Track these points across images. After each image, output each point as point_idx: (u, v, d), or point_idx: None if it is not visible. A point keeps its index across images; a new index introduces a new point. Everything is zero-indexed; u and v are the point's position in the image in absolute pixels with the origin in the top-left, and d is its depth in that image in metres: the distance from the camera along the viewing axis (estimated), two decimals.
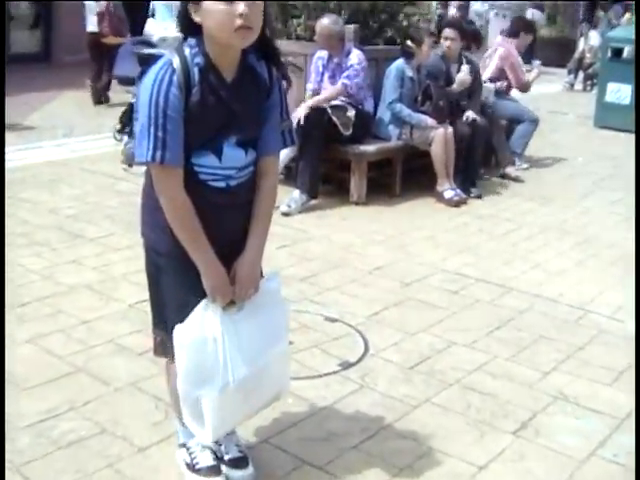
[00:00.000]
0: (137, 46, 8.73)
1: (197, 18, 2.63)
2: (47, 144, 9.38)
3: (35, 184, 7.46)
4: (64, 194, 7.24)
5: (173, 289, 2.87)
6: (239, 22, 2.57)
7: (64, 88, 13.30)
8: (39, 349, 4.23)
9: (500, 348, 4.54)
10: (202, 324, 2.80)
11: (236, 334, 2.83)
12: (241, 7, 2.56)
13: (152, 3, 13.74)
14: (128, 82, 8.16)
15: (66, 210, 6.73)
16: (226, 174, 2.78)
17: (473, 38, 8.51)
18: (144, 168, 2.81)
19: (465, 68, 8.06)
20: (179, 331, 2.80)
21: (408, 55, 7.67)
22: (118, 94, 10.59)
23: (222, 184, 2.79)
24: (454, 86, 7.97)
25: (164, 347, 2.98)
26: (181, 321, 2.80)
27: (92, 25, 12.55)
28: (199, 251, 2.75)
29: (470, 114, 7.95)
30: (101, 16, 12.47)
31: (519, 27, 9.76)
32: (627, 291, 5.60)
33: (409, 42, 7.64)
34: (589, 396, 4.07)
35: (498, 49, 9.40)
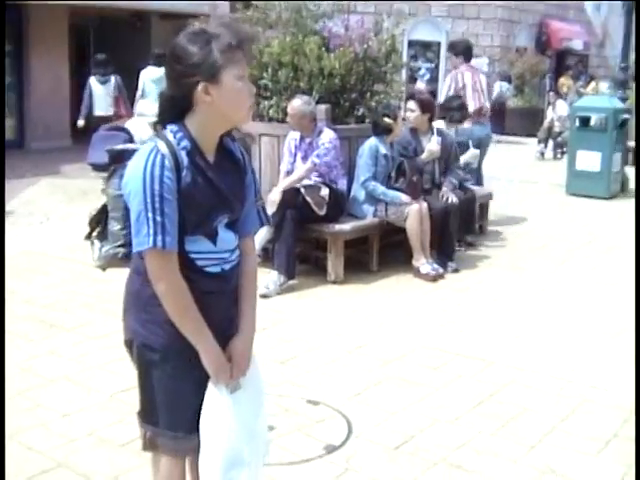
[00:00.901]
0: (111, 137, 8.85)
1: (206, 98, 2.64)
2: (24, 230, 9.37)
3: (11, 273, 7.43)
4: (40, 283, 7.20)
5: (166, 382, 2.84)
6: (252, 100, 2.70)
7: (39, 174, 13.33)
8: (19, 444, 4.17)
9: (484, 423, 4.52)
10: (218, 408, 2.78)
11: (242, 411, 2.82)
12: (253, 86, 2.68)
13: (142, 81, 13.95)
14: (102, 168, 8.27)
15: (42, 300, 6.69)
16: (221, 257, 2.79)
17: (427, 108, 8.53)
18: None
19: (435, 139, 8.15)
20: (203, 419, 2.78)
21: (381, 132, 7.75)
22: (91, 180, 10.58)
23: (218, 269, 2.78)
24: (422, 156, 8.04)
25: (154, 442, 2.94)
26: (173, 414, 2.79)
27: (100, 109, 12.95)
28: (199, 334, 2.73)
29: (445, 192, 8.04)
30: (116, 99, 13.43)
31: None
32: (607, 359, 5.62)
33: (386, 119, 7.72)
34: (576, 469, 4.05)
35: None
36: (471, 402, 4.81)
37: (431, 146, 8.09)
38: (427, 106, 8.27)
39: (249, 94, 2.68)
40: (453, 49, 10.60)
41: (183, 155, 2.67)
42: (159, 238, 2.59)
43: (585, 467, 4.08)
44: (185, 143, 2.69)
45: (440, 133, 8.36)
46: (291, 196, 7.22)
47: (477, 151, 9.12)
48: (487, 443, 4.29)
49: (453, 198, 8.03)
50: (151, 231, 2.59)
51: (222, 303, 2.84)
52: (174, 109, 2.72)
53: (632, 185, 13.93)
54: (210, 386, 2.78)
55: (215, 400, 2.79)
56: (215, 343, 2.76)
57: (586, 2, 32.93)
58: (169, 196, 2.61)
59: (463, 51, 10.35)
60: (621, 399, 4.92)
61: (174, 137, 2.69)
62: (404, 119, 8.17)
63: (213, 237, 2.76)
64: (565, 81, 25.32)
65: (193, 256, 2.73)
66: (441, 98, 9.79)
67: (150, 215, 2.59)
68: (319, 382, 5.07)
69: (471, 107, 9.75)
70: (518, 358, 5.61)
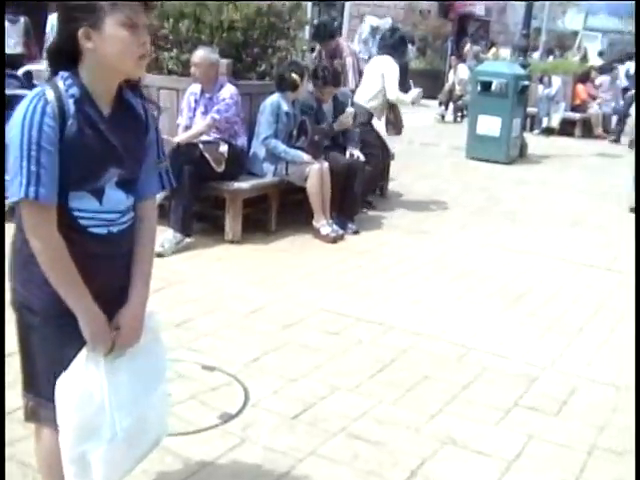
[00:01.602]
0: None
1: (88, 44, 2.42)
2: None
3: None
4: None
5: (47, 348, 2.62)
6: (141, 51, 2.45)
7: None
8: None
9: (384, 391, 4.41)
10: (84, 375, 2.57)
11: (119, 381, 2.63)
12: (145, 35, 2.44)
13: (49, 24, 13.49)
14: None
15: None
16: (108, 218, 2.57)
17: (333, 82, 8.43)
18: None
19: (350, 110, 8.06)
20: (61, 385, 2.56)
21: (285, 88, 7.54)
22: None
23: (103, 230, 2.57)
24: (335, 125, 7.93)
25: (36, 412, 2.73)
26: (55, 380, 2.56)
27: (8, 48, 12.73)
28: (77, 296, 2.52)
29: (353, 151, 7.95)
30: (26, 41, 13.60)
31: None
32: (507, 325, 5.60)
33: (294, 74, 7.51)
34: (477, 438, 3.98)
35: None
36: (371, 369, 4.69)
37: (344, 118, 7.99)
38: (333, 80, 8.09)
39: (137, 44, 2.43)
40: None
41: (70, 103, 2.44)
42: (32, 189, 2.36)
43: (486, 436, 4.01)
44: (74, 91, 2.46)
45: (340, 96, 8.24)
46: (189, 152, 6.96)
47: (351, 109, 8.86)
48: (388, 412, 4.18)
49: (360, 155, 7.92)
50: (24, 181, 2.36)
51: (110, 268, 2.63)
52: (62, 55, 2.49)
53: (531, 150, 14.10)
54: (83, 351, 2.57)
55: (82, 366, 2.58)
56: (95, 308, 2.55)
57: None
58: (48, 145, 2.38)
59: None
60: (521, 367, 4.90)
61: (64, 84, 2.46)
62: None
63: (99, 195, 2.54)
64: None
65: (76, 214, 2.51)
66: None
67: (25, 164, 2.36)
68: (215, 347, 4.87)
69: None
70: (418, 323, 5.52)
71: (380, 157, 8.93)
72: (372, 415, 4.13)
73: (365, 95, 8.91)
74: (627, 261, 7.48)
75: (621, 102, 18.37)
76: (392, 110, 9.12)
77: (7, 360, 4.29)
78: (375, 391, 4.41)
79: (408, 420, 4.10)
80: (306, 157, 7.46)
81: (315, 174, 7.37)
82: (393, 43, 9.24)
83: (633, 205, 9.67)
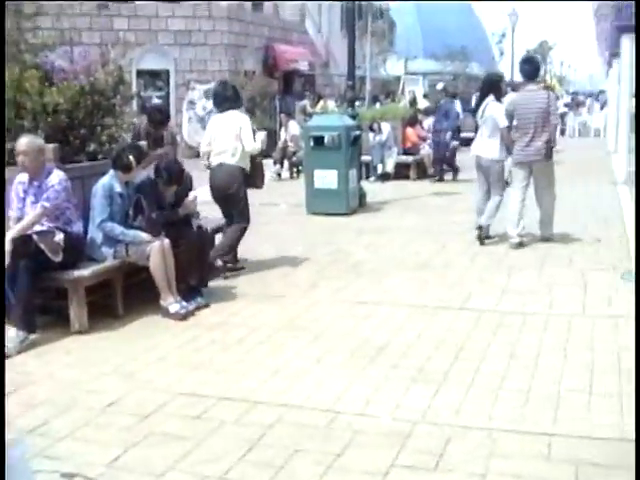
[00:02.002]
0: None
1: None
2: None
3: None
4: None
5: None
6: None
7: None
8: None
9: (256, 473, 4.24)
10: None
11: None
12: None
13: None
14: None
15: None
16: None
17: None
18: None
19: (194, 194, 8.02)
20: None
21: (119, 168, 7.32)
22: None
23: None
24: (180, 210, 7.77)
25: None
26: None
27: None
28: None
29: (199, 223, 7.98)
30: None
31: None
32: (372, 382, 5.51)
33: (131, 157, 7.31)
34: None
35: None
36: (239, 450, 4.50)
37: (190, 202, 7.89)
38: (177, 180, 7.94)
39: None
40: None
41: None
42: None
43: None
44: None
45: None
46: (23, 244, 6.64)
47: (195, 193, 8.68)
48: None
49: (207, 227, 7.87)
50: None
51: None
52: None
53: (370, 198, 14.25)
54: None
55: None
56: None
57: (307, 25, 33.86)
58: None
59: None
60: (392, 425, 4.82)
61: None
62: None
63: None
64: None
65: None
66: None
67: None
68: (73, 450, 4.56)
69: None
70: (281, 394, 5.37)
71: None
72: None
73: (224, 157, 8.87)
74: (479, 299, 7.59)
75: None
76: (252, 164, 9.05)
77: None
78: (247, 474, 4.23)
79: None
80: (145, 236, 7.24)
81: (157, 252, 7.15)
82: (232, 95, 9.17)
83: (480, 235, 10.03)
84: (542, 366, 5.86)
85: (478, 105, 10.88)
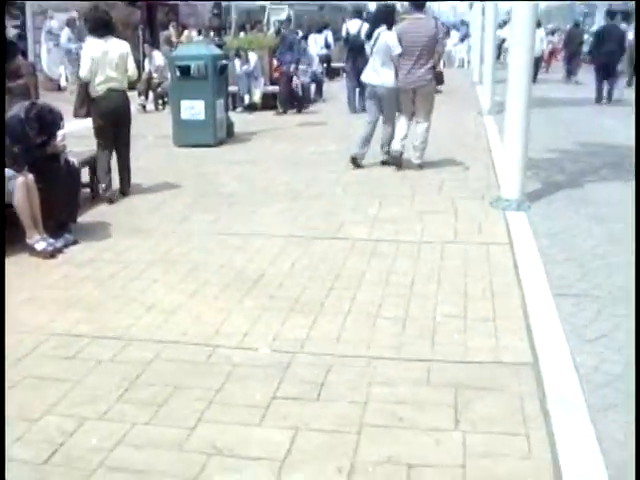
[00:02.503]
0: None
1: None
2: None
3: None
4: None
5: None
6: None
7: None
8: None
9: (136, 412, 4.13)
10: None
11: None
12: None
13: None
14: None
15: None
16: None
17: None
18: None
19: (63, 132, 7.63)
20: None
21: None
22: None
23: None
24: (48, 149, 7.38)
25: None
26: None
27: None
28: None
29: (68, 158, 7.64)
30: None
31: None
32: (249, 314, 5.46)
33: None
34: (242, 443, 3.81)
35: None
36: (117, 390, 4.38)
37: (60, 142, 7.52)
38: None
39: None
40: None
41: None
42: None
43: (251, 439, 3.85)
44: None
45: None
46: None
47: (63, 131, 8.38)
48: (144, 434, 3.91)
49: (74, 160, 7.70)
50: None
51: None
52: None
53: (238, 129, 14.08)
54: None
55: None
56: None
57: None
58: None
59: None
60: (272, 357, 4.80)
61: None
62: None
63: None
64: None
65: None
66: None
67: None
68: None
69: None
70: (157, 330, 5.25)
71: None
72: (128, 441, 3.85)
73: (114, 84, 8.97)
74: (353, 228, 7.60)
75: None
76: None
77: None
78: (126, 413, 4.13)
79: (167, 438, 3.86)
80: (8, 172, 6.93)
81: (20, 188, 6.84)
82: (109, 20, 9.08)
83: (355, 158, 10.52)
84: (417, 293, 5.93)
85: (370, 35, 10.91)
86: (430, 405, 4.17)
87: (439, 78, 10.75)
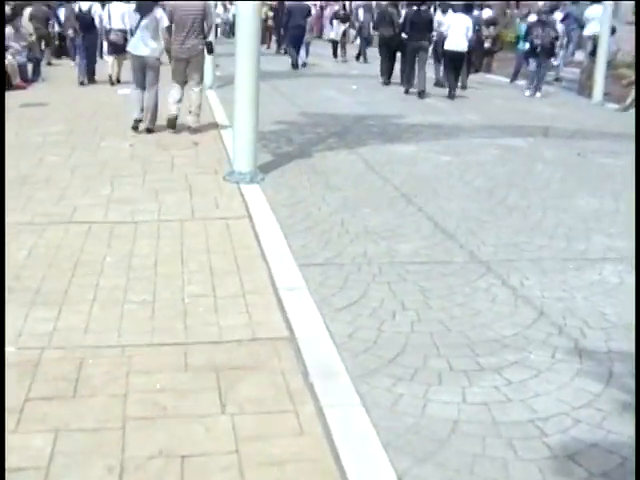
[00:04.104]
0: None
1: None
2: None
3: None
4: None
5: None
6: None
7: None
8: None
9: None
10: None
11: None
12: None
13: None
14: None
15: None
16: None
17: None
18: None
19: None
20: None
21: None
22: None
23: None
24: None
25: None
26: None
27: None
28: None
29: None
30: None
31: None
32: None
33: None
34: None
35: None
36: None
37: None
38: None
39: None
40: None
41: None
42: None
43: (8, 447, 3.55)
44: None
45: None
46: None
47: None
48: None
49: None
50: None
51: None
52: None
53: None
54: None
55: None
56: None
57: None
58: None
59: None
60: (18, 356, 4.49)
61: None
62: None
63: None
64: None
65: None
66: None
67: None
68: None
69: None
70: None
71: None
72: None
73: None
74: (87, 211, 7.33)
75: None
76: None
77: None
78: None
79: None
80: None
81: None
82: None
83: None
84: (162, 274, 5.80)
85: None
86: (193, 391, 4.08)
87: (209, 48, 11.88)
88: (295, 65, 23.70)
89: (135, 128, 11.57)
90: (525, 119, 14.56)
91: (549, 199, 8.38)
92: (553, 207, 8.01)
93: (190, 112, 11.62)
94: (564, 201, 8.24)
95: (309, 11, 24.96)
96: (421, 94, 17.31)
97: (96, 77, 18.08)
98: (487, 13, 23.45)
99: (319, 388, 3.98)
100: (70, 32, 19.86)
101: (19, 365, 4.38)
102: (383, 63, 19.95)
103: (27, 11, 20.97)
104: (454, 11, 18.01)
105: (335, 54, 28.11)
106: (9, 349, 4.57)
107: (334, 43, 28.37)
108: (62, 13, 22.26)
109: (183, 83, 11.60)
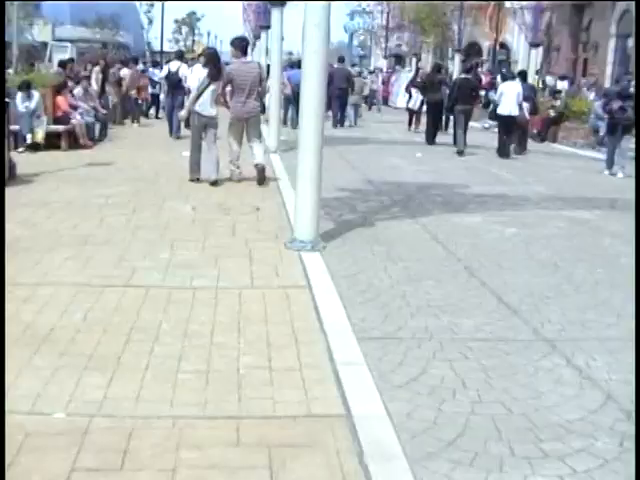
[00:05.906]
0: None
1: None
2: None
3: None
4: None
5: None
6: None
7: None
8: None
9: None
10: None
11: None
12: None
13: None
14: None
15: None
16: None
17: None
18: None
19: None
20: None
21: None
22: None
23: None
24: None
25: None
26: None
27: None
28: None
29: None
30: None
31: None
32: (41, 374, 5.04)
33: None
34: None
35: None
36: None
37: None
38: None
39: None
40: None
41: None
42: None
43: None
44: None
45: None
46: None
47: None
48: None
49: None
50: None
51: None
52: None
53: (21, 170, 13.36)
54: None
55: None
56: None
57: None
58: None
59: None
60: (67, 423, 4.41)
61: None
62: None
63: None
64: None
65: None
66: None
67: None
68: None
69: None
70: None
71: None
72: None
73: None
74: (145, 274, 7.29)
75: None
76: None
77: None
78: None
79: None
80: None
81: None
82: None
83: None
84: (218, 344, 5.70)
85: None
86: (243, 468, 3.95)
87: (263, 108, 13.51)
88: (338, 124, 25.75)
89: (194, 180, 12.65)
90: (592, 191, 14.33)
91: (617, 275, 8.16)
92: (621, 284, 7.79)
93: (257, 165, 12.62)
94: (633, 277, 8.01)
95: (350, 74, 27.37)
96: (460, 153, 18.89)
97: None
98: (562, 84, 23.71)
99: (374, 471, 3.82)
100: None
101: (68, 433, 4.29)
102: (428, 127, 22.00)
103: (95, 71, 21.75)
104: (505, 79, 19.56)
105: (410, 123, 26.29)
106: (59, 415, 4.50)
107: (411, 112, 26.43)
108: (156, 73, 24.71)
109: (241, 140, 12.82)
